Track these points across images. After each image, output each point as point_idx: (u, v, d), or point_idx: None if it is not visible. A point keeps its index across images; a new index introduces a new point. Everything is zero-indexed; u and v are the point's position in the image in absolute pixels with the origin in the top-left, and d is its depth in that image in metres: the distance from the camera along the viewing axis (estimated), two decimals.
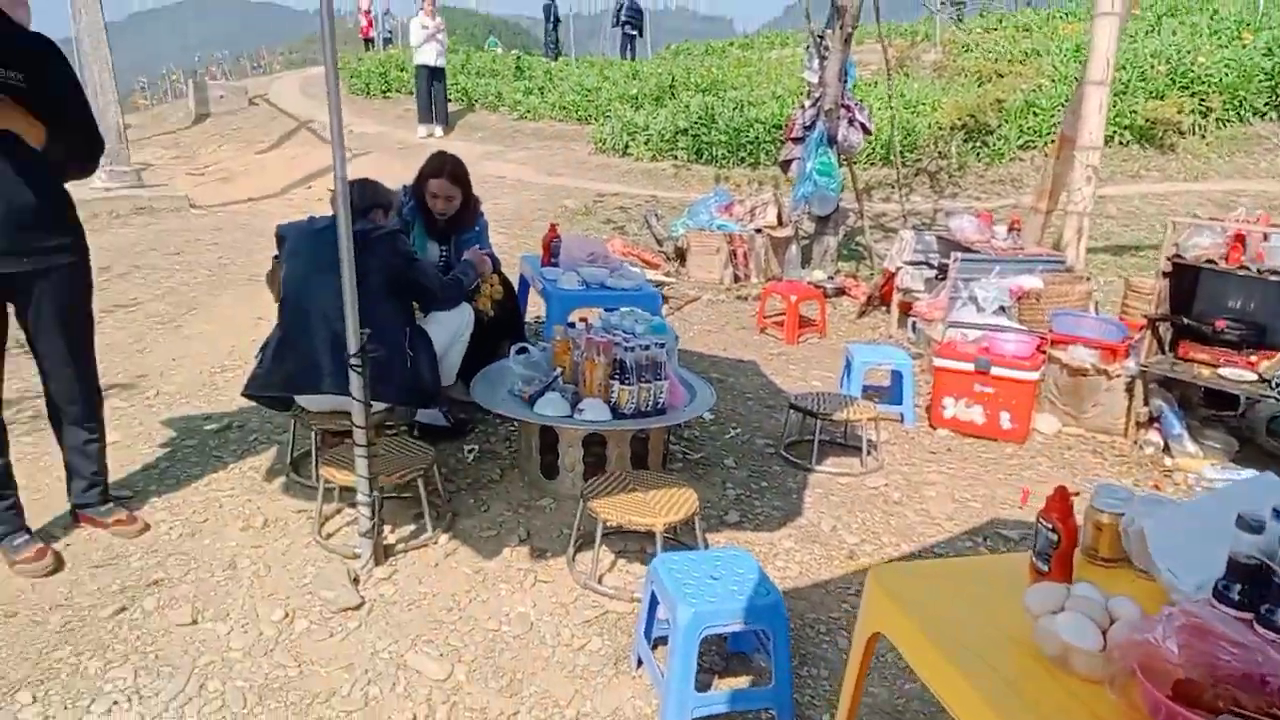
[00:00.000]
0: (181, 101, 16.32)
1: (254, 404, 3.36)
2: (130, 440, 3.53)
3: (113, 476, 2.99)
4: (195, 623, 2.43)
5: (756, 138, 11.06)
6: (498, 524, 3.01)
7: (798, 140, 6.87)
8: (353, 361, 2.55)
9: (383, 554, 2.71)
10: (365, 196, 3.24)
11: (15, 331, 2.63)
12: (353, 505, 2.80)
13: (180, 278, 6.13)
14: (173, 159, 12.03)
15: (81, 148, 2.63)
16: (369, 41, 20.79)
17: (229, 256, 6.82)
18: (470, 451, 3.53)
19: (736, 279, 6.92)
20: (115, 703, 2.12)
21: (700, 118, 11.58)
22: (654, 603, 2.27)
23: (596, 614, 2.56)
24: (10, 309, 2.60)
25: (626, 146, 11.82)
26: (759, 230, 7.12)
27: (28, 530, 2.74)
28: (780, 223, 7.29)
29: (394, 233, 3.24)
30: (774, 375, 4.84)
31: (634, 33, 19.56)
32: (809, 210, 6.93)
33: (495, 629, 2.47)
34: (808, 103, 6.88)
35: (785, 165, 7.14)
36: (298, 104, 14.99)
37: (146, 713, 2.10)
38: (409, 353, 3.15)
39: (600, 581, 2.69)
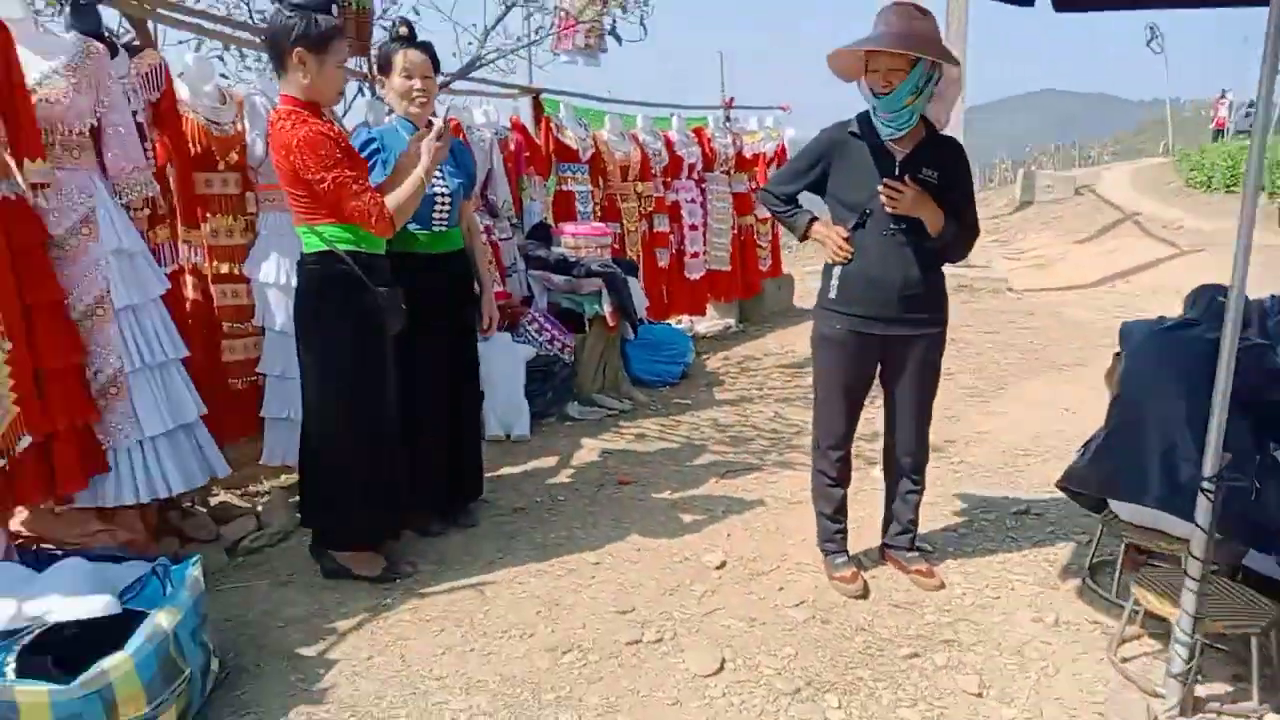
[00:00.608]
0: (1007, 188, 17.23)
1: (1059, 496, 3.29)
2: (934, 499, 3.81)
3: (919, 528, 3.26)
4: (980, 695, 2.47)
5: None
6: None
7: None
8: (1206, 485, 2.29)
9: (1193, 706, 2.38)
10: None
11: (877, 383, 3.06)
12: (1157, 635, 2.52)
13: (992, 356, 6.46)
14: (992, 241, 12.76)
15: (965, 235, 2.93)
16: (1219, 133, 18.96)
17: (1040, 342, 6.93)
18: None
19: None
20: None
21: None
22: None
23: None
24: (879, 364, 3.04)
25: None
26: None
27: (848, 553, 3.17)
28: None
29: (1261, 347, 2.83)
30: None
31: None
32: None
33: None
34: None
35: None
36: (1125, 195, 14.47)
37: None
38: (1256, 485, 2.71)
39: None
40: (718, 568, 3.23)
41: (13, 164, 2.65)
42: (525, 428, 4.85)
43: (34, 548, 2.87)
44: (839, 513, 3.16)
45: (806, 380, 6.05)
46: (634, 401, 5.54)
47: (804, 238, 3.05)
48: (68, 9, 2.88)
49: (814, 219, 3.01)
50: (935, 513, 3.67)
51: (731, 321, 8.11)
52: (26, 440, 2.67)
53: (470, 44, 4.32)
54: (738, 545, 3.42)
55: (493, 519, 3.71)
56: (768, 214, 8.06)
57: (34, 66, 2.71)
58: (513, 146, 5.43)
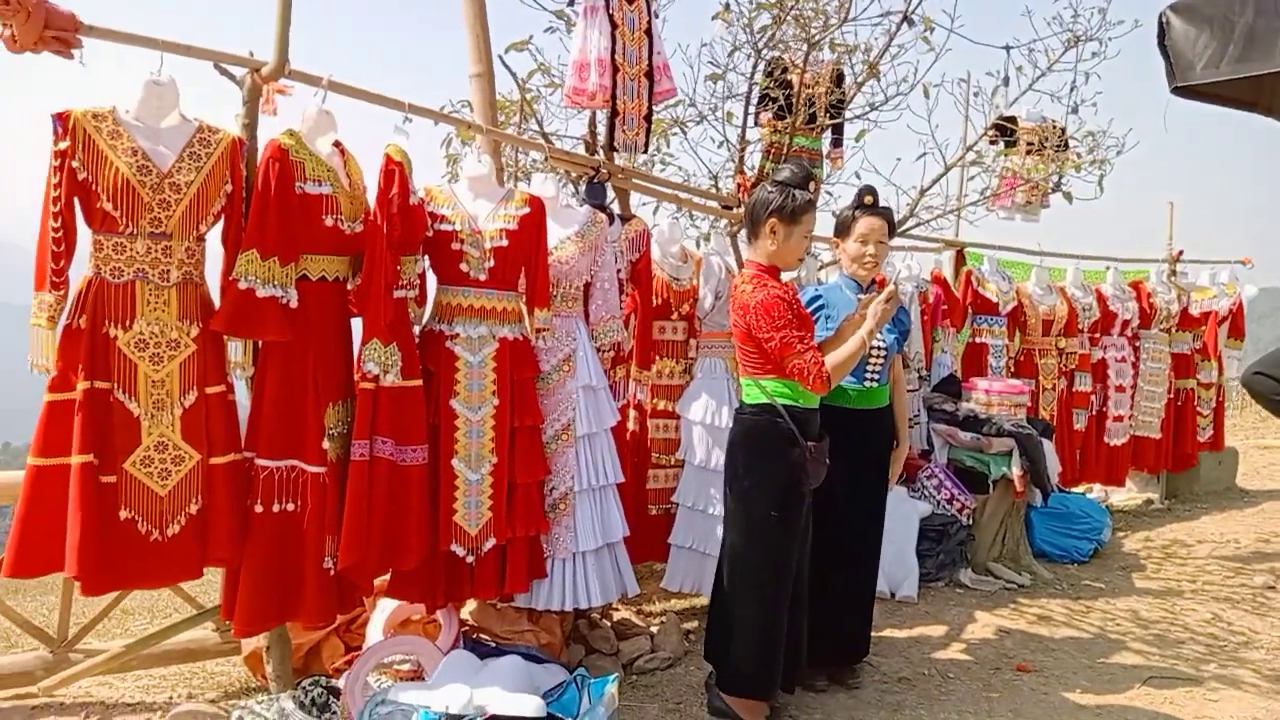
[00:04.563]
0: None
1: None
2: None
3: None
4: None
5: None
6: None
7: None
8: None
9: None
10: None
11: None
12: None
13: None
14: None
15: None
16: None
17: None
18: None
19: None
20: None
21: None
22: None
23: None
24: None
25: None
26: None
27: None
28: None
29: None
30: None
31: None
32: None
33: None
34: None
35: None
36: None
37: None
38: None
39: None
40: None
41: (525, 311, 3.23)
42: (913, 589, 4.67)
43: (474, 636, 3.36)
44: None
45: (1254, 579, 5.14)
46: (1035, 576, 5.09)
47: None
48: (584, 186, 3.48)
49: None
50: None
51: (1155, 497, 7.15)
52: (491, 542, 3.15)
53: (907, 205, 4.43)
54: None
55: (877, 684, 3.60)
56: (1211, 380, 7.17)
57: (554, 234, 3.32)
58: (931, 299, 5.42)
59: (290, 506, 2.75)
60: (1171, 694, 3.59)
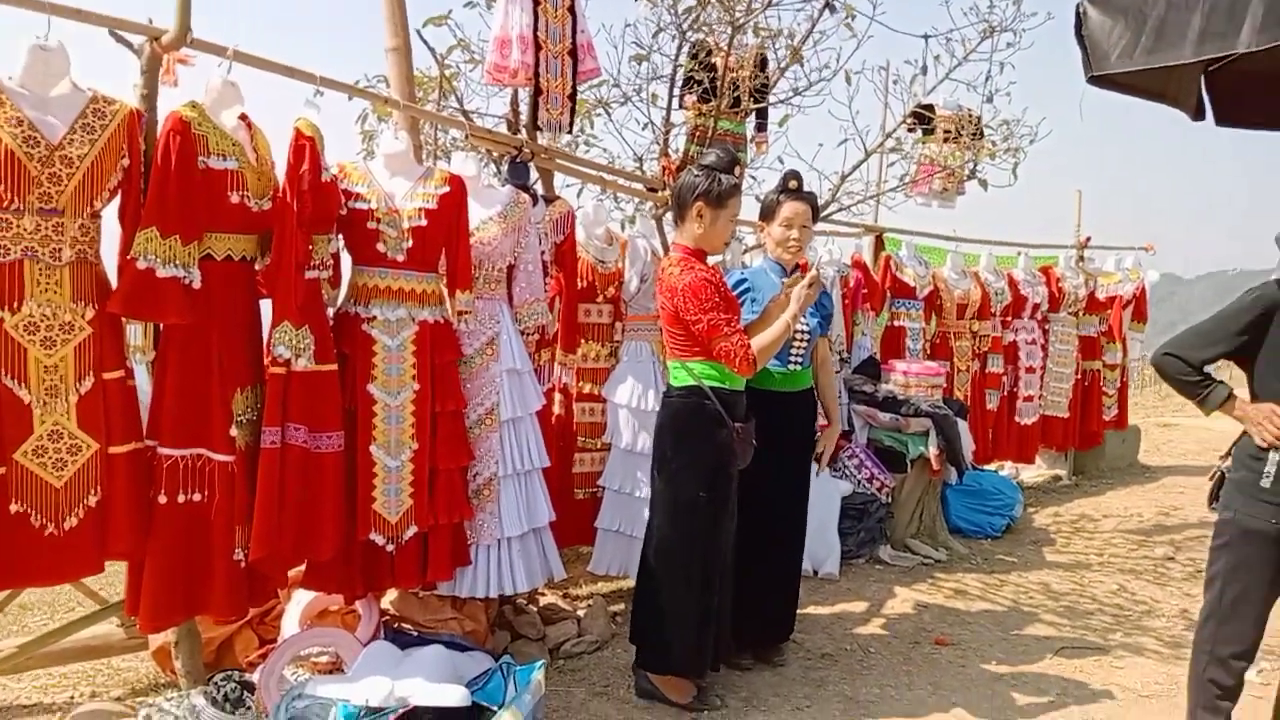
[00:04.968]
0: None
1: None
2: None
3: None
4: None
5: None
6: None
7: None
8: None
9: None
10: None
11: None
12: None
13: None
14: None
15: None
16: None
17: None
18: None
19: None
20: None
21: None
22: None
23: None
24: None
25: None
26: None
27: None
28: None
29: None
30: None
31: None
32: None
33: None
34: None
35: None
36: None
37: None
38: None
39: None
40: None
41: (446, 294, 3.15)
42: (835, 566, 4.75)
43: (396, 626, 3.28)
44: None
45: (1155, 550, 5.39)
46: (951, 552, 5.24)
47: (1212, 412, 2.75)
48: (506, 166, 3.40)
49: (1232, 394, 2.69)
50: None
51: (1063, 474, 7.45)
52: (413, 530, 3.08)
53: (829, 191, 4.47)
54: None
55: (801, 661, 3.65)
56: (1115, 361, 7.46)
57: (476, 214, 3.24)
58: (852, 283, 5.50)
59: (196, 497, 2.63)
60: (1081, 663, 3.73)
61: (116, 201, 2.53)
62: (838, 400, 5.28)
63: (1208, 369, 2.75)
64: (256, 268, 2.81)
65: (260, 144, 2.77)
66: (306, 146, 2.66)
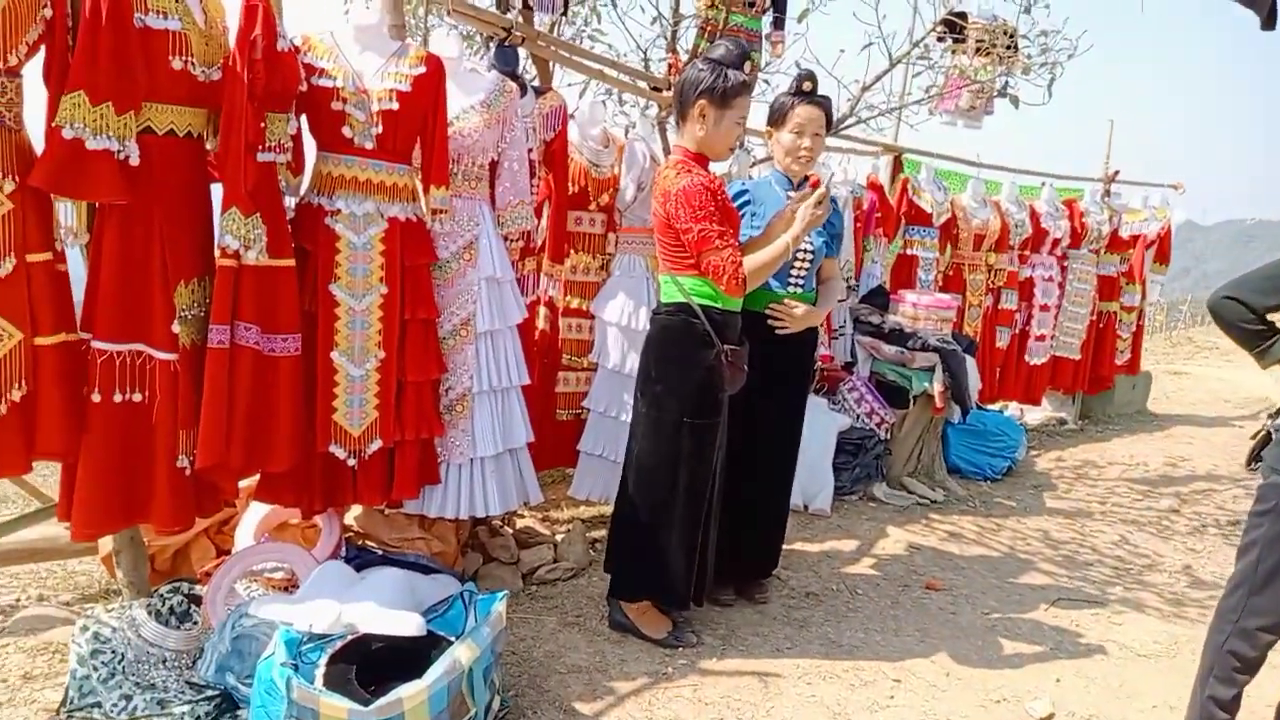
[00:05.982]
0: None
1: None
2: None
3: None
4: None
5: None
6: None
7: None
8: None
9: None
10: None
11: None
12: None
13: None
14: None
15: None
16: None
17: None
18: None
19: None
20: None
21: None
22: None
23: None
24: None
25: None
26: None
27: None
28: None
29: None
30: None
31: None
32: None
33: None
34: None
35: None
36: None
37: None
38: None
39: None
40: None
41: (420, 189, 2.86)
42: (826, 503, 4.58)
43: (359, 544, 3.10)
44: (1234, 703, 2.54)
45: (1159, 502, 5.21)
46: (948, 493, 5.07)
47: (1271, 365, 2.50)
48: (493, 48, 3.07)
49: None
50: None
51: (1068, 417, 7.23)
52: (377, 444, 2.86)
53: (848, 101, 4.13)
54: (1069, 696, 2.91)
55: (784, 600, 3.49)
56: (1133, 303, 7.17)
57: (455, 101, 2.91)
58: (865, 206, 5.18)
59: (136, 397, 2.39)
60: (1077, 615, 3.57)
61: (41, 60, 2.23)
62: (839, 331, 5.06)
63: (1270, 318, 2.48)
64: (208, 147, 2.52)
65: (211, 5, 2.44)
66: (258, 7, 2.33)
